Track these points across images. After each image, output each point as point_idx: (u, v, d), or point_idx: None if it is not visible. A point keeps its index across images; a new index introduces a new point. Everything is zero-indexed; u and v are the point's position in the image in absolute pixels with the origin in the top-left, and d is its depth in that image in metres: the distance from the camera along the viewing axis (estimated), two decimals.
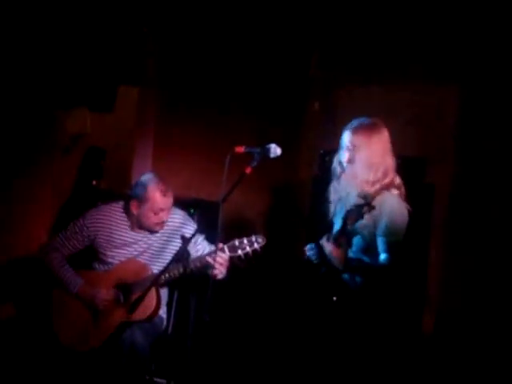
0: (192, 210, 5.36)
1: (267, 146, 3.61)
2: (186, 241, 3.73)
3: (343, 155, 3.65)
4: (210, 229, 3.96)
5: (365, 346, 3.65)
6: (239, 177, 3.46)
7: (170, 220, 4.18)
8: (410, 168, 5.47)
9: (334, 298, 3.63)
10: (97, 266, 4.17)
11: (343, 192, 3.66)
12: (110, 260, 4.09)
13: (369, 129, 3.66)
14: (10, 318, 4.98)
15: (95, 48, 5.45)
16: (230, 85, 6.19)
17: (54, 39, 5.23)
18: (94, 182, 5.88)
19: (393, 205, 3.62)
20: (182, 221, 4.21)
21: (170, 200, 4.08)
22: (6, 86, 5.15)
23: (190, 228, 4.16)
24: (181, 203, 5.42)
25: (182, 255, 3.74)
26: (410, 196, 5.39)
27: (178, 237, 4.08)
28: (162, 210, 4.03)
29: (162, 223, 4.09)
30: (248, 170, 3.50)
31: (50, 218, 5.55)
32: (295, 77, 6.04)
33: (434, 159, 5.58)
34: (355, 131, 3.64)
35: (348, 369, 4.50)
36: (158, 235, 4.14)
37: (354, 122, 3.69)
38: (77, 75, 5.49)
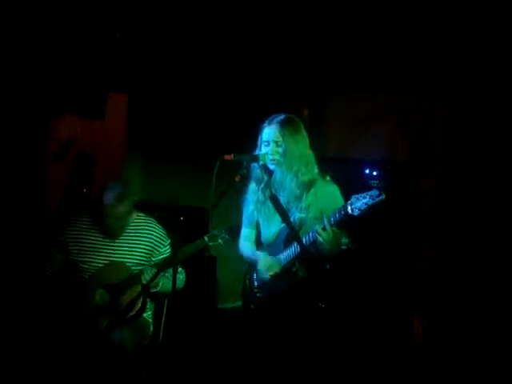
0: (181, 218, 5.39)
1: (256, 154, 3.62)
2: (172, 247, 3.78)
3: (274, 149, 3.59)
4: (199, 236, 3.97)
5: (354, 352, 3.61)
6: (228, 184, 3.46)
7: (134, 223, 4.24)
8: (400, 173, 5.50)
9: (322, 305, 3.62)
10: (80, 276, 4.18)
11: (277, 186, 3.65)
12: (88, 266, 4.12)
13: (294, 122, 3.66)
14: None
15: (85, 55, 5.45)
16: (220, 93, 6.21)
17: (43, 46, 5.23)
18: (85, 190, 5.87)
19: (335, 190, 3.63)
20: (148, 224, 4.26)
21: (124, 206, 4.11)
22: None
23: (157, 231, 4.24)
24: (170, 210, 5.45)
25: (170, 262, 3.74)
26: (400, 202, 5.45)
27: (144, 239, 4.18)
28: (115, 216, 4.10)
29: (119, 228, 4.16)
30: (237, 178, 3.49)
31: (40, 224, 5.54)
32: (285, 84, 6.07)
33: (423, 164, 5.61)
34: (283, 125, 3.60)
35: (339, 376, 4.51)
36: (124, 238, 4.20)
37: (275, 117, 3.64)
38: (67, 82, 5.50)
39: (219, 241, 3.92)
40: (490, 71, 5.20)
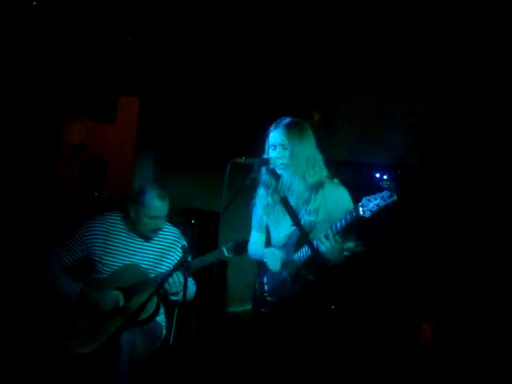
0: (193, 221, 5.41)
1: (266, 157, 3.63)
2: (186, 251, 3.76)
3: (281, 153, 3.59)
4: (210, 238, 3.99)
5: (363, 356, 3.61)
6: (240, 187, 3.47)
7: (166, 234, 4.24)
8: (411, 177, 5.51)
9: (332, 307, 3.62)
10: (95, 276, 4.18)
11: (285, 189, 3.65)
12: (107, 269, 4.12)
13: (300, 124, 3.67)
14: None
15: (96, 59, 5.48)
16: (231, 96, 6.22)
17: (55, 51, 5.27)
18: (96, 193, 5.91)
19: (343, 193, 3.63)
20: (177, 236, 4.27)
21: (165, 207, 4.12)
22: (9, 97, 5.19)
23: (184, 243, 4.22)
24: (181, 213, 5.47)
25: (182, 265, 3.75)
26: (411, 206, 5.46)
27: (173, 251, 4.19)
28: (156, 216, 4.09)
29: (156, 230, 4.14)
30: (248, 181, 3.51)
31: (51, 228, 5.57)
32: (296, 88, 6.08)
33: (434, 168, 5.62)
34: (288, 127, 3.60)
35: (348, 378, 4.51)
36: (155, 246, 4.20)
37: (281, 121, 3.65)
38: (78, 86, 5.53)
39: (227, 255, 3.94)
40: (503, 77, 5.20)
